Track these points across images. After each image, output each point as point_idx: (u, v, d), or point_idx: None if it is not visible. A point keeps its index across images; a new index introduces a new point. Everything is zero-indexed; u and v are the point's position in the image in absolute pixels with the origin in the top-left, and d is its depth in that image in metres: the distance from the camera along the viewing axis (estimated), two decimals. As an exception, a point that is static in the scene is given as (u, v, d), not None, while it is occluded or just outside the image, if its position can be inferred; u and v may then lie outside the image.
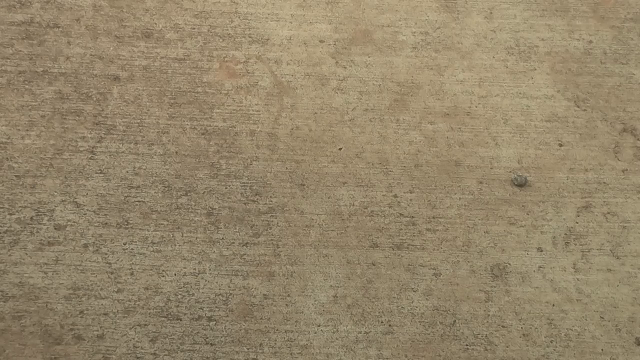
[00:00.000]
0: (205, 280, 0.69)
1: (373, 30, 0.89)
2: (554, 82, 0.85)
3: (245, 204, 0.74)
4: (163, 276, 0.69)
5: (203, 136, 0.79)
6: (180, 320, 0.67)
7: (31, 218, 0.72)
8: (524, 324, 0.67)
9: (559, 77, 0.86)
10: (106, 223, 0.72)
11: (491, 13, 0.91)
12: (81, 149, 0.77)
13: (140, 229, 0.72)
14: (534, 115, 0.82)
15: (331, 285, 0.69)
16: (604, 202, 0.75)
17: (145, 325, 0.66)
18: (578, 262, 0.71)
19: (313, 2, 0.91)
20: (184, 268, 0.70)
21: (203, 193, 0.75)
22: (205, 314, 0.67)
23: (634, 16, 0.91)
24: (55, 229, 0.72)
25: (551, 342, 0.66)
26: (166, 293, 0.68)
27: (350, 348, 0.65)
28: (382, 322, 0.67)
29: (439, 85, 0.84)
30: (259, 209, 0.74)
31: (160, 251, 0.71)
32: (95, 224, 0.72)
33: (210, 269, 0.70)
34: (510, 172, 0.76)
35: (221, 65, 0.85)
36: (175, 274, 0.69)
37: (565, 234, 0.73)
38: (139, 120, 0.80)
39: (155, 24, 0.88)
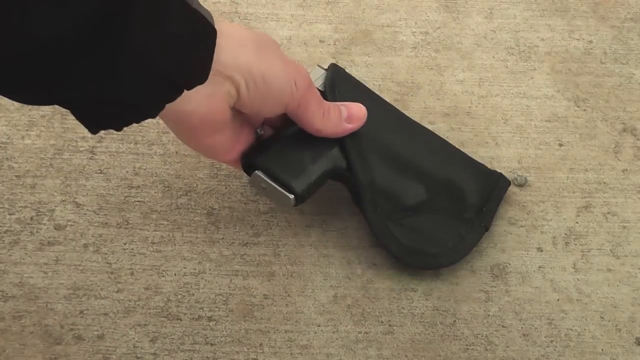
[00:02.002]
0: (205, 280, 0.69)
1: (373, 30, 0.89)
2: (554, 82, 0.85)
3: (245, 204, 0.74)
4: (163, 276, 0.69)
5: (203, 136, 0.79)
6: (180, 320, 0.67)
7: (31, 218, 0.72)
8: (524, 324, 0.67)
9: (559, 77, 0.86)
10: (106, 223, 0.72)
11: (491, 13, 0.91)
12: (81, 149, 0.77)
13: (140, 229, 0.72)
14: (534, 115, 0.82)
15: (331, 285, 0.69)
16: (604, 202, 0.75)
17: (145, 325, 0.66)
18: (578, 262, 0.71)
19: (313, 2, 0.91)
20: (184, 268, 0.70)
21: (203, 193, 0.75)
22: (205, 314, 0.67)
23: (634, 16, 0.91)
24: (55, 229, 0.72)
25: (551, 342, 0.66)
26: (166, 293, 0.68)
27: (350, 348, 0.65)
28: (382, 322, 0.67)
29: (439, 85, 0.84)
30: (259, 209, 0.74)
31: (160, 251, 0.71)
32: (95, 224, 0.72)
33: (210, 269, 0.70)
34: (510, 172, 0.76)
35: (221, 65, 0.84)
36: (175, 274, 0.69)
37: (565, 234, 0.73)
38: (139, 120, 0.79)
39: (155, 24, 0.88)
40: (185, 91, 0.54)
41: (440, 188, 0.71)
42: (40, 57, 0.45)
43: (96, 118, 0.52)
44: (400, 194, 0.70)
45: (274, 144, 0.67)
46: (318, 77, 0.72)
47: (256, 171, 0.66)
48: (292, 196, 0.65)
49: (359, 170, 0.68)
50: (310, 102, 0.63)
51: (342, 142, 0.68)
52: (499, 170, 0.75)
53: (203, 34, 0.54)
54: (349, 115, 0.67)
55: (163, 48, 0.50)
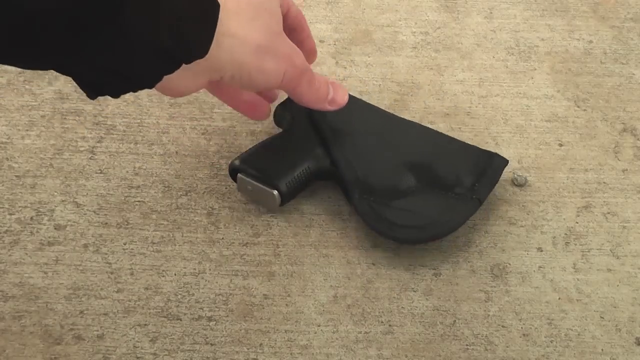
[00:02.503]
0: (205, 280, 0.69)
1: (373, 30, 0.89)
2: (554, 82, 0.85)
3: (245, 204, 0.74)
4: (163, 276, 0.69)
5: (203, 136, 0.79)
6: (180, 320, 0.67)
7: (31, 218, 0.72)
8: (524, 324, 0.67)
9: (559, 77, 0.86)
10: (106, 223, 0.72)
11: (491, 13, 0.91)
12: (81, 149, 0.77)
13: (140, 229, 0.72)
14: (534, 115, 0.82)
15: (331, 285, 0.69)
16: (604, 202, 0.75)
17: (145, 325, 0.66)
18: (578, 262, 0.71)
19: (313, 2, 0.91)
20: (184, 268, 0.70)
21: (203, 193, 0.75)
22: (205, 314, 0.67)
23: (634, 16, 0.91)
24: (55, 229, 0.72)
25: (551, 342, 0.66)
26: (166, 293, 0.68)
27: (350, 348, 0.65)
28: (382, 322, 0.67)
29: (439, 85, 0.84)
30: (259, 209, 0.74)
31: (160, 251, 0.71)
32: (95, 224, 0.72)
33: (210, 269, 0.70)
34: (510, 172, 0.76)
35: (221, 65, 0.84)
36: (175, 274, 0.69)
37: (565, 234, 0.73)
38: (139, 120, 0.80)
39: (155, 24, 0.88)
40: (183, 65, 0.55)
41: (428, 172, 0.72)
42: (40, 31, 0.45)
43: (95, 86, 0.53)
44: (388, 184, 0.71)
45: (257, 148, 0.72)
46: None
47: (239, 174, 0.71)
48: (275, 192, 0.69)
49: (343, 166, 0.71)
50: (299, 85, 0.65)
51: (324, 140, 0.72)
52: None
53: (205, 10, 0.54)
54: (333, 99, 0.70)
55: (164, 24, 0.50)
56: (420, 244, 0.70)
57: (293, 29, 0.70)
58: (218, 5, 0.55)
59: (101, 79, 0.52)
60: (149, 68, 0.53)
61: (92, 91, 0.54)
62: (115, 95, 0.54)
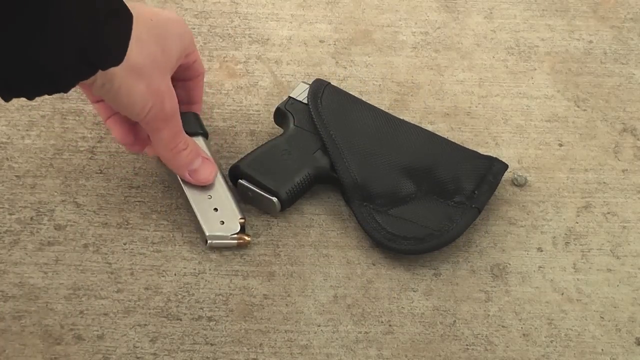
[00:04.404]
0: (205, 280, 0.69)
1: (373, 30, 0.89)
2: (554, 82, 0.85)
3: (245, 204, 0.74)
4: (163, 276, 0.69)
5: (203, 136, 0.79)
6: (180, 320, 0.67)
7: (31, 218, 0.72)
8: (524, 324, 0.67)
9: (559, 77, 0.86)
10: (106, 223, 0.72)
11: (491, 13, 0.91)
12: (81, 149, 0.77)
13: (140, 229, 0.72)
14: (534, 115, 0.82)
15: (331, 285, 0.69)
16: (604, 202, 0.75)
17: (145, 325, 0.66)
18: (578, 262, 0.71)
19: (313, 2, 0.91)
20: (184, 268, 0.70)
21: (203, 193, 0.75)
22: (205, 314, 0.67)
23: (634, 16, 0.91)
24: (55, 229, 0.72)
25: (551, 342, 0.66)
26: (166, 293, 0.68)
27: (350, 348, 0.65)
28: (382, 322, 0.67)
29: (439, 85, 0.84)
30: (259, 209, 0.74)
31: (160, 251, 0.71)
32: (95, 224, 0.72)
33: (210, 269, 0.70)
34: (511, 172, 0.76)
35: (221, 65, 0.85)
36: (175, 274, 0.69)
37: (565, 234, 0.73)
38: (139, 120, 0.79)
39: (155, 24, 0.88)
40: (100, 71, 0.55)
41: (427, 178, 0.72)
42: None
43: (8, 82, 0.52)
44: (387, 191, 0.71)
45: (257, 153, 0.73)
46: (302, 92, 0.77)
47: (240, 180, 0.72)
48: (275, 199, 0.70)
49: (342, 171, 0.72)
50: (161, 130, 0.65)
51: (324, 144, 0.73)
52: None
53: (120, 12, 0.55)
54: (195, 171, 0.70)
55: (83, 22, 0.51)
56: (419, 254, 0.70)
57: (189, 78, 0.71)
58: (132, 16, 0.55)
59: (18, 72, 0.52)
60: (67, 67, 0.53)
61: (6, 90, 0.53)
62: (30, 96, 0.54)
